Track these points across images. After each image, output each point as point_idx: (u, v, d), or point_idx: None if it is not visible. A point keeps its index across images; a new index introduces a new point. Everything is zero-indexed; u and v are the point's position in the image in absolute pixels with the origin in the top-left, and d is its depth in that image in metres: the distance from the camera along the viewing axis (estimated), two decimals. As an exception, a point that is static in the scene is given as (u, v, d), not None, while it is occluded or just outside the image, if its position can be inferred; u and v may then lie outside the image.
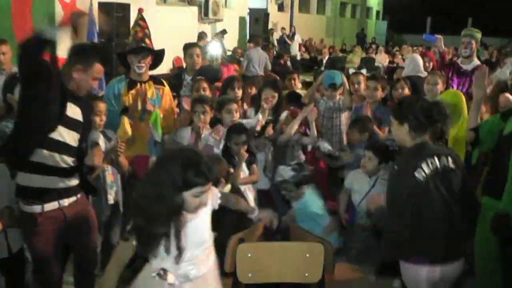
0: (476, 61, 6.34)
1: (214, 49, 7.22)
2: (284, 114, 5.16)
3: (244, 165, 4.48)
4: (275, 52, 15.23)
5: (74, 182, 3.47)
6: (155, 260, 2.68)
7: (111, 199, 4.20)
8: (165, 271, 2.68)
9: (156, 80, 4.92)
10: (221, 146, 4.58)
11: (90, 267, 3.77)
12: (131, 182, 4.62)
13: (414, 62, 7.20)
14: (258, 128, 4.94)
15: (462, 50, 6.33)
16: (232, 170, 4.31)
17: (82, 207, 3.58)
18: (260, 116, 4.98)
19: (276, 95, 5.14)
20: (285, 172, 4.35)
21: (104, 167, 4.10)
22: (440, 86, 5.17)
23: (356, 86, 5.80)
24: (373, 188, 4.27)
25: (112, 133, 4.25)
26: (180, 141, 4.74)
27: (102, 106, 4.14)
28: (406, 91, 5.53)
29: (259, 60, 11.25)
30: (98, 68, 3.41)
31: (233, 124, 4.60)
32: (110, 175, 4.21)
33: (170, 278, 2.68)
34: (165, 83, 5.01)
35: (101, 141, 4.04)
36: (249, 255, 3.26)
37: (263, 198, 4.72)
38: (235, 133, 4.44)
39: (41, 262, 3.46)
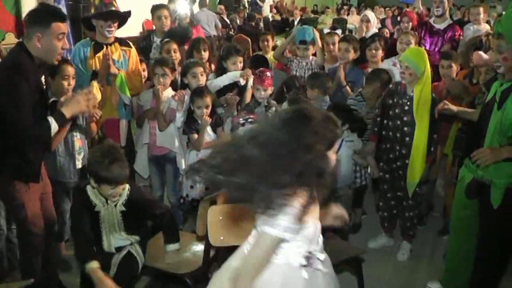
0: (449, 20, 6.33)
1: (183, 9, 7.02)
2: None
3: (209, 129, 4.44)
4: (246, 14, 15.02)
5: None
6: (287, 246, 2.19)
7: (79, 164, 4.14)
8: (312, 255, 2.25)
9: (122, 41, 4.79)
10: (183, 110, 4.49)
11: (54, 225, 3.79)
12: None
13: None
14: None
15: (434, 9, 6.31)
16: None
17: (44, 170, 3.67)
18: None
19: (241, 59, 4.99)
20: None
21: (73, 133, 4.05)
22: (412, 46, 5.14)
23: (331, 46, 5.73)
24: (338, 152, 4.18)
25: None
26: (143, 104, 4.69)
27: (70, 69, 4.04)
28: (380, 52, 5.46)
29: (208, 20, 11.32)
30: (57, 27, 3.25)
31: (195, 87, 4.52)
32: (79, 141, 4.14)
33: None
34: (131, 44, 4.88)
35: None
36: (220, 217, 3.21)
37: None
38: (197, 96, 4.37)
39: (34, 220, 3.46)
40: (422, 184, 4.43)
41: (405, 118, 4.27)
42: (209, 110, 4.38)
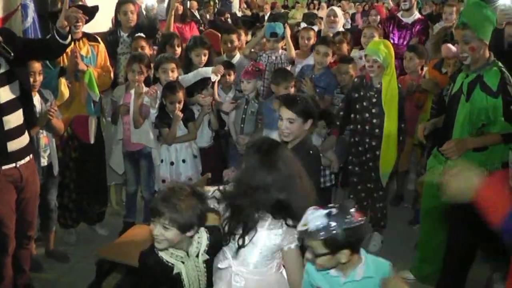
0: (417, 14, 6.40)
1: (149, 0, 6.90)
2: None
3: (181, 124, 4.44)
4: (216, 9, 14.94)
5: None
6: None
7: (44, 162, 4.08)
8: None
9: (90, 37, 4.71)
10: (157, 105, 4.49)
11: (29, 230, 3.73)
12: (70, 144, 4.57)
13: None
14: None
15: (402, 3, 6.36)
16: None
17: (34, 169, 3.64)
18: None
19: (207, 52, 4.91)
20: None
21: (39, 130, 3.96)
22: (376, 39, 5.14)
23: (306, 41, 5.58)
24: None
25: (49, 93, 4.09)
26: (116, 100, 4.66)
27: (36, 65, 3.93)
28: (345, 46, 5.47)
29: None
30: None
31: (167, 82, 4.50)
32: (44, 138, 4.07)
33: None
34: (99, 39, 4.81)
35: (37, 102, 3.93)
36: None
37: (205, 156, 4.68)
38: (169, 92, 4.36)
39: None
40: (393, 174, 4.47)
41: (373, 110, 4.30)
42: (181, 105, 4.37)
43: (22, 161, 3.48)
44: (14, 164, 3.42)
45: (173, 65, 4.61)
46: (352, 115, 4.46)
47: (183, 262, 2.53)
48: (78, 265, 4.31)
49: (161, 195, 2.37)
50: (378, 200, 4.52)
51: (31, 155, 3.60)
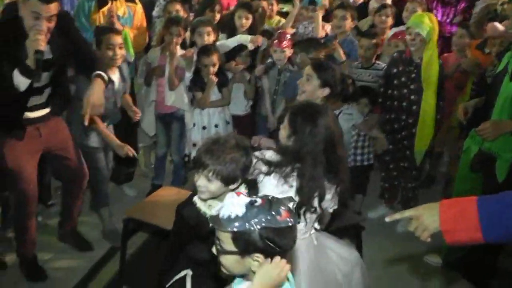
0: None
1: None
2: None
3: (215, 88, 4.41)
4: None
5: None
6: None
7: None
8: None
9: (127, -4, 4.68)
10: (192, 69, 4.48)
11: (77, 177, 3.74)
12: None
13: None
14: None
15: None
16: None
17: (55, 125, 3.55)
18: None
19: (250, 16, 4.86)
20: None
21: None
22: (420, 12, 4.96)
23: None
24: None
25: (127, 71, 4.14)
26: (151, 61, 4.64)
27: (116, 38, 3.83)
28: (390, 20, 5.30)
29: None
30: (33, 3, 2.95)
31: (202, 45, 4.45)
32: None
33: None
34: (137, 0, 4.79)
35: (116, 80, 3.90)
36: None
37: (238, 123, 4.64)
38: (204, 54, 4.32)
39: (16, 172, 3.38)
40: (427, 154, 4.37)
41: (412, 86, 4.18)
42: (215, 69, 4.32)
43: (41, 124, 3.45)
44: (32, 126, 3.40)
45: (209, 29, 4.55)
46: (390, 91, 4.34)
47: None
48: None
49: (205, 146, 2.26)
50: (410, 180, 4.42)
51: (52, 117, 3.52)
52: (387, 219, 2.02)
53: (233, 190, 2.26)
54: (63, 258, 3.93)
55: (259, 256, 1.62)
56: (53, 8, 3.00)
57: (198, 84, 4.37)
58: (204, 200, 2.34)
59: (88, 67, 3.34)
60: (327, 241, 2.83)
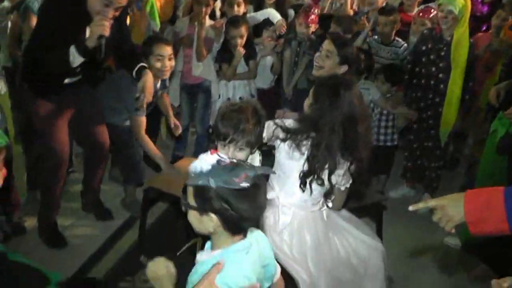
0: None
1: None
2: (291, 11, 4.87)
3: (242, 60, 4.37)
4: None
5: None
6: None
7: None
8: None
9: (154, -36, 4.63)
10: (221, 40, 4.45)
11: (99, 149, 3.75)
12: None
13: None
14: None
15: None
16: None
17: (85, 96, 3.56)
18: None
19: None
20: None
21: None
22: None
23: None
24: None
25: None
26: (179, 31, 4.62)
27: (166, 49, 3.59)
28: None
29: None
30: None
31: (231, 16, 4.44)
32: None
33: None
34: (164, -31, 4.74)
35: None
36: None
37: (262, 96, 4.61)
38: (232, 26, 4.29)
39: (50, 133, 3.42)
40: (452, 135, 4.30)
41: (440, 64, 4.12)
42: (243, 41, 4.29)
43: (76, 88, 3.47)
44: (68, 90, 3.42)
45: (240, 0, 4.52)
46: (417, 69, 4.27)
47: None
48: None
49: (228, 117, 2.32)
50: (434, 160, 4.37)
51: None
52: (410, 208, 1.98)
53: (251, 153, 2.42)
54: (82, 225, 3.98)
55: (212, 217, 1.62)
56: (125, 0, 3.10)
57: (225, 55, 4.34)
58: None
59: (131, 60, 3.43)
60: (343, 223, 2.79)
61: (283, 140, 2.54)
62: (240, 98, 4.41)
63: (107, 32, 3.02)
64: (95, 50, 3.15)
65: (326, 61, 3.20)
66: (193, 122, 4.86)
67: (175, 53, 4.63)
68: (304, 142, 2.50)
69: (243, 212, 1.61)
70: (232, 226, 1.65)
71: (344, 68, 3.20)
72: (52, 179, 3.56)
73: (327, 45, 3.21)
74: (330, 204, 2.70)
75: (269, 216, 2.60)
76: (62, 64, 3.12)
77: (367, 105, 4.10)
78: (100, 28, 2.99)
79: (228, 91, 4.43)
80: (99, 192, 4.06)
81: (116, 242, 3.81)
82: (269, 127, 2.57)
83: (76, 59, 3.06)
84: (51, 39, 3.07)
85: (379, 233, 3.47)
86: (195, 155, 4.57)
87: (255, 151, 2.46)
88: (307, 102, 2.64)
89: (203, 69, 4.49)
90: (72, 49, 3.03)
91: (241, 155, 2.30)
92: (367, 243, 2.76)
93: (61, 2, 3.14)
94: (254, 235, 1.75)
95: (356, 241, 2.74)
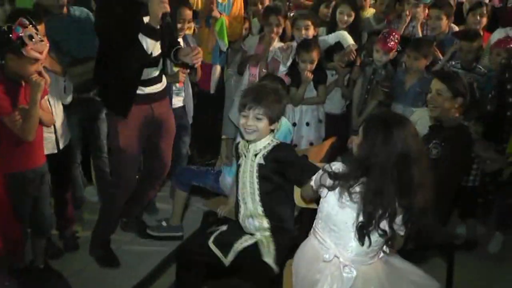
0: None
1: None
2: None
3: (311, 84, 4.25)
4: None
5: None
6: None
7: (176, 104, 4.08)
8: None
9: (228, -17, 4.62)
10: (288, 63, 4.34)
11: (163, 169, 3.73)
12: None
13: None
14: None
15: None
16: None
17: (168, 108, 3.66)
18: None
19: (353, 13, 4.66)
20: None
21: None
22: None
23: None
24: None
25: (193, 40, 4.25)
26: (247, 50, 4.59)
27: (188, 13, 3.99)
28: (484, 20, 4.85)
29: None
30: None
31: (302, 40, 4.33)
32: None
33: None
34: (238, -12, 4.71)
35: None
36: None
37: (333, 122, 4.50)
38: (303, 49, 4.20)
39: (123, 153, 3.41)
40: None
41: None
42: (313, 65, 4.18)
43: (156, 103, 3.48)
44: (147, 104, 3.42)
45: (308, 23, 4.41)
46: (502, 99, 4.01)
47: (245, 156, 2.79)
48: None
49: (250, 90, 2.75)
50: (508, 196, 4.08)
51: (166, 97, 3.65)
52: None
53: (272, 131, 2.74)
54: (135, 244, 3.92)
55: None
56: None
57: (293, 78, 4.21)
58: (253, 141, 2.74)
59: (172, 44, 3.55)
60: (400, 264, 2.51)
61: (331, 188, 2.29)
62: (307, 124, 4.27)
63: (167, 8, 3.14)
64: (162, 31, 3.25)
65: (439, 99, 3.23)
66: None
67: (241, 70, 4.65)
68: (357, 189, 2.22)
69: None
70: None
71: (460, 100, 3.22)
72: (115, 202, 3.54)
73: (434, 84, 3.27)
74: (387, 250, 2.42)
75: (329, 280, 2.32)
76: (140, 53, 3.16)
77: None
78: (160, 6, 3.09)
79: (295, 116, 4.26)
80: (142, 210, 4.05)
81: (170, 264, 3.63)
82: (317, 174, 2.38)
83: (149, 44, 3.14)
84: (119, 35, 3.16)
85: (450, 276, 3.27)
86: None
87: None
88: (356, 141, 2.36)
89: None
90: (141, 35, 3.12)
91: (260, 124, 2.64)
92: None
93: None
94: None
95: (413, 284, 2.45)
